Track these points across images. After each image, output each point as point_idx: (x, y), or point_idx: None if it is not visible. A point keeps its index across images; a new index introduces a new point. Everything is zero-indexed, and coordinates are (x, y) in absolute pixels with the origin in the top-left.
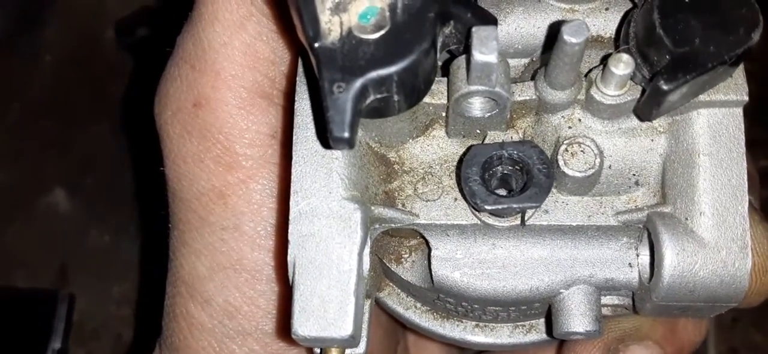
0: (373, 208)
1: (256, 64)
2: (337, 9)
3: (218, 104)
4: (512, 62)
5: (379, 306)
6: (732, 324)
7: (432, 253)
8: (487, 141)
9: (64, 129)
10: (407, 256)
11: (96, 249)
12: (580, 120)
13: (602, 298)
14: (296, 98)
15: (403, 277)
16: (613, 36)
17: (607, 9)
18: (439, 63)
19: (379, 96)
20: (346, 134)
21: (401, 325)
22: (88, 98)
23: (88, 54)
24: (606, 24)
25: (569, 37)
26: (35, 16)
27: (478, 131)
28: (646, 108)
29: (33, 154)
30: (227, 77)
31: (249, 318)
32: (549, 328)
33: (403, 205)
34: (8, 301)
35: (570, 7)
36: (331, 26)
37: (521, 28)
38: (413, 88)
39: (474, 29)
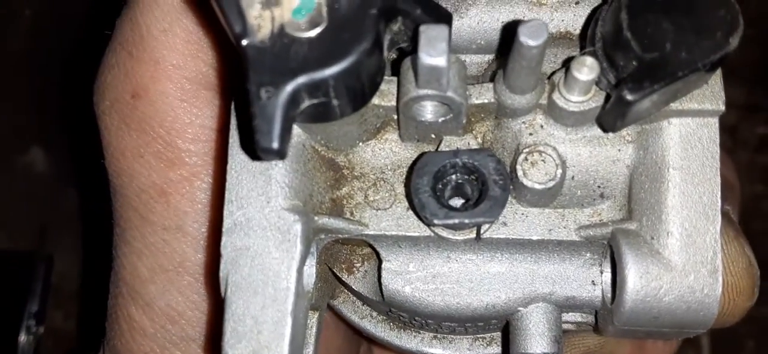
0: (317, 218)
1: (199, 52)
2: (269, 2)
3: (158, 96)
4: (475, 59)
5: (334, 313)
6: None
7: (382, 266)
8: (442, 146)
9: (42, 86)
10: (359, 265)
11: (74, 210)
12: (542, 126)
13: (563, 315)
14: (234, 95)
15: (354, 287)
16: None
17: (576, 3)
18: (391, 60)
19: (315, 101)
20: (275, 145)
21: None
22: (66, 54)
23: (66, 8)
24: (575, 19)
25: (526, 39)
26: None
27: (433, 136)
28: (610, 118)
29: (9, 113)
30: (167, 67)
31: (192, 323)
32: (506, 345)
33: (352, 213)
34: None
35: (537, 0)
36: (261, 22)
37: (484, 22)
38: (355, 92)
39: (422, 28)
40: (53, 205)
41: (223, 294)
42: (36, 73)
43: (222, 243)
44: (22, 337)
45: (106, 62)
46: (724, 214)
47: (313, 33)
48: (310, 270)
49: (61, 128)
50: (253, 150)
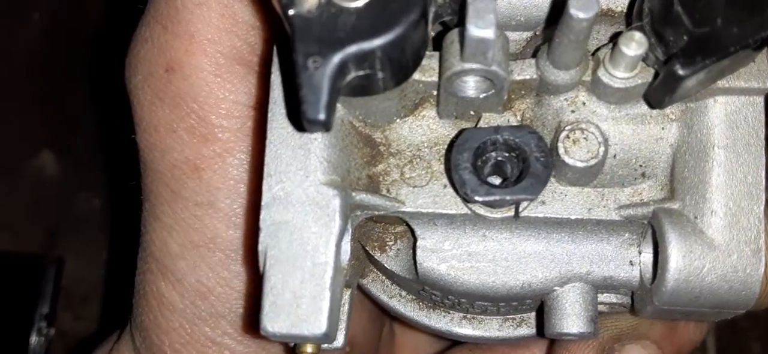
0: (354, 193)
1: (234, 27)
2: None
3: (193, 70)
4: (513, 36)
5: (362, 292)
6: None
7: (417, 244)
8: (481, 124)
9: (52, 90)
10: (392, 243)
11: (85, 213)
12: (584, 103)
13: (599, 296)
14: (272, 69)
15: (387, 266)
16: (625, 10)
17: None
18: (432, 35)
19: (361, 73)
20: (322, 116)
21: (386, 312)
22: (76, 57)
23: (76, 11)
24: None
25: (577, 11)
26: None
27: (472, 113)
28: (659, 94)
29: (19, 116)
30: (203, 41)
31: (222, 300)
32: (540, 325)
33: (388, 190)
34: None
35: None
36: None
37: None
38: (400, 65)
39: (470, 0)
40: (63, 209)
41: (261, 268)
42: (45, 76)
43: (261, 217)
44: (33, 339)
45: (139, 36)
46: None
47: (361, 3)
48: (346, 246)
49: (71, 132)
50: (299, 121)
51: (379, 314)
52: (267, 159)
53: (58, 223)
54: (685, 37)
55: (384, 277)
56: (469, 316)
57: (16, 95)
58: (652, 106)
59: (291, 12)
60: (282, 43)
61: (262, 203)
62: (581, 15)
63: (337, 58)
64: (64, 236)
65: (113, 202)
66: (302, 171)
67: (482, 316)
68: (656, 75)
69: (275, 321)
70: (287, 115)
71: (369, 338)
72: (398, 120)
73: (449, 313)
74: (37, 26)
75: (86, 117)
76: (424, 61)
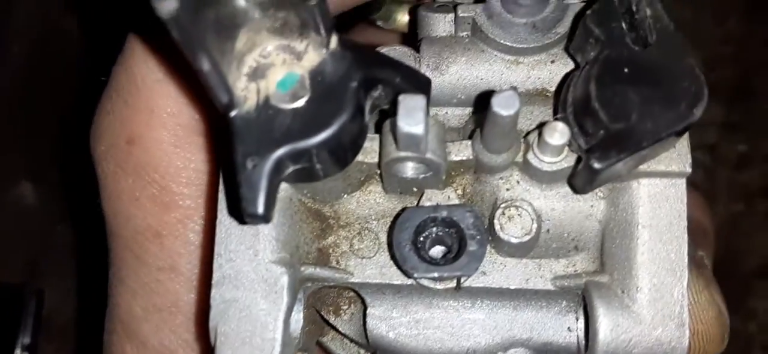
0: (303, 268)
1: (192, 100)
2: (255, 75)
3: (152, 142)
4: (456, 111)
5: (324, 350)
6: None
7: (367, 312)
8: (424, 199)
9: (31, 121)
10: (346, 307)
11: (64, 243)
12: (518, 182)
13: None
14: (219, 162)
15: (341, 330)
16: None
17: (552, 61)
18: (375, 119)
19: (298, 166)
20: (260, 211)
21: None
22: (55, 89)
23: (54, 44)
24: (551, 77)
25: (499, 109)
26: (1, 6)
27: (414, 189)
28: (580, 181)
29: None
30: (162, 115)
31: None
32: None
33: (338, 262)
34: None
35: (514, 58)
36: (248, 94)
37: (464, 78)
38: (338, 157)
39: (400, 98)
40: (43, 240)
41: (212, 343)
42: (24, 108)
43: (211, 295)
44: None
45: (102, 108)
46: (698, 261)
47: (297, 104)
48: (298, 316)
49: (51, 163)
50: (240, 215)
51: None
52: (217, 239)
53: (37, 253)
54: (601, 131)
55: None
56: None
57: None
58: (575, 191)
59: (232, 113)
60: (222, 143)
61: (213, 282)
62: (503, 112)
63: (274, 157)
64: (44, 266)
65: (90, 232)
66: (251, 250)
67: None
68: (579, 160)
69: None
70: (228, 210)
71: None
72: (346, 195)
73: None
74: (16, 58)
75: (65, 148)
76: (367, 144)
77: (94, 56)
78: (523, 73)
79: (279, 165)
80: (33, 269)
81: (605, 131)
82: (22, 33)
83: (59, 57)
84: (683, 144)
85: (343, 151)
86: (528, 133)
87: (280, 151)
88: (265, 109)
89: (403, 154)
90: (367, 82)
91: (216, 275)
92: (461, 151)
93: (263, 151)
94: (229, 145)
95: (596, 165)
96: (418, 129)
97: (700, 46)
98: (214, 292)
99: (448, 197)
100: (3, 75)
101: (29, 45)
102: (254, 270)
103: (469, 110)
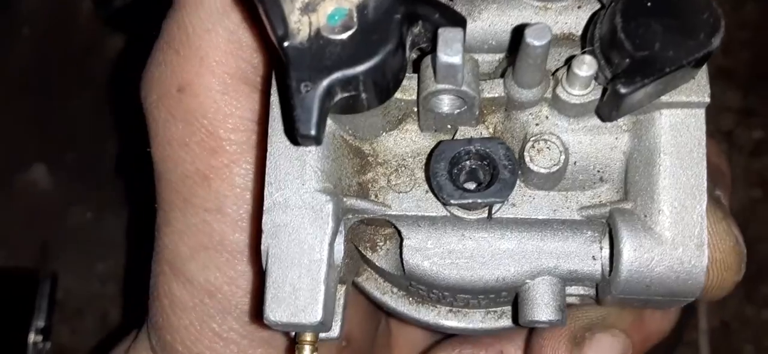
0: (345, 199)
1: (239, 50)
2: (306, 9)
3: (202, 89)
4: (486, 58)
5: (358, 290)
6: (724, 297)
7: (403, 243)
8: (458, 135)
9: (44, 104)
10: (382, 244)
11: (78, 226)
12: (547, 117)
13: (567, 288)
14: (272, 91)
15: (377, 264)
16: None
17: (579, 7)
18: (413, 59)
19: (346, 94)
20: (313, 132)
21: (380, 309)
22: (67, 71)
23: (66, 26)
24: (577, 22)
25: (532, 40)
26: None
27: (449, 126)
28: (606, 109)
29: (11, 130)
30: (211, 63)
31: (229, 297)
32: (515, 315)
33: (376, 196)
34: None
35: (543, 4)
36: (300, 26)
37: (495, 24)
38: (381, 87)
39: (440, 30)
40: (55, 223)
41: (263, 265)
42: (36, 90)
43: (263, 220)
44: (30, 352)
45: (154, 59)
46: (715, 199)
47: (345, 36)
48: (340, 246)
49: (63, 145)
50: (294, 136)
51: (375, 313)
52: (268, 169)
53: (51, 236)
54: (627, 60)
55: (377, 275)
56: (454, 309)
57: (8, 109)
58: (602, 119)
59: (285, 44)
60: (278, 70)
61: (264, 208)
62: (536, 43)
63: (325, 82)
64: (58, 250)
65: (106, 215)
66: (299, 179)
67: (466, 309)
68: (605, 92)
69: (276, 311)
70: (284, 132)
71: (365, 334)
72: (384, 133)
73: (436, 306)
74: (28, 40)
75: (78, 130)
76: (405, 82)
77: (107, 37)
78: (551, 18)
79: (329, 90)
80: (45, 253)
81: (630, 60)
82: (33, 15)
83: (72, 39)
84: (702, 75)
85: (386, 82)
86: (556, 71)
87: (331, 78)
88: (316, 40)
89: (440, 86)
90: (408, 17)
91: (267, 202)
92: (493, 89)
93: (315, 77)
94: (285, 73)
95: (622, 90)
96: (456, 59)
97: None
98: (265, 217)
99: (481, 133)
100: (15, 58)
101: (41, 27)
102: (302, 197)
103: (499, 56)
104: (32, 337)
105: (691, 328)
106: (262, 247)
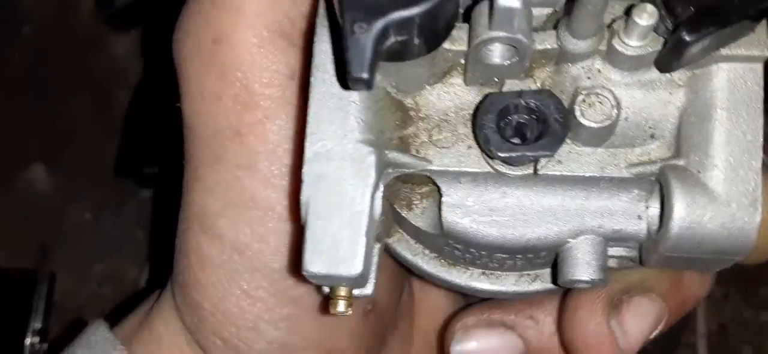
0: (387, 152)
1: (276, 3)
2: None
3: (238, 42)
4: (535, 12)
5: (387, 252)
6: (722, 300)
7: (442, 200)
8: (504, 90)
9: (43, 103)
10: (418, 202)
11: (76, 226)
12: (599, 71)
13: (609, 249)
14: (315, 39)
15: (413, 223)
16: None
17: None
18: (462, 9)
19: (399, 38)
20: (365, 74)
21: (407, 272)
22: (67, 71)
23: (66, 25)
24: None
25: None
26: None
27: (495, 80)
28: (667, 59)
29: (11, 130)
30: (248, 14)
31: (258, 255)
32: (554, 276)
33: (417, 151)
34: None
35: None
36: None
37: None
38: (434, 32)
39: None
40: (54, 224)
41: (303, 217)
42: (36, 89)
43: (303, 171)
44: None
45: (188, 10)
46: (765, 162)
47: None
48: (379, 200)
49: (62, 145)
50: (344, 80)
51: (400, 278)
52: (309, 119)
53: (49, 236)
54: (691, 8)
55: (408, 237)
56: (487, 272)
57: (7, 108)
58: (661, 70)
59: None
60: (330, 13)
61: (305, 158)
62: None
63: (380, 24)
64: (55, 250)
65: (105, 216)
66: (341, 130)
67: (499, 272)
68: (665, 44)
69: (315, 263)
70: (335, 75)
71: (389, 299)
72: (427, 87)
73: (468, 269)
74: (28, 40)
75: (77, 130)
76: (454, 33)
77: (108, 37)
78: None
79: (384, 32)
80: (43, 254)
81: (695, 7)
82: (33, 14)
83: (72, 38)
84: (761, 29)
85: (439, 28)
86: (612, 23)
87: (386, 19)
88: None
89: (495, 33)
90: None
91: (308, 152)
92: (545, 40)
93: (370, 18)
94: (338, 13)
95: (687, 37)
96: (515, 2)
97: None
98: (306, 168)
99: (529, 87)
100: (15, 57)
101: (40, 26)
102: (344, 148)
103: (547, 11)
104: (29, 339)
105: (689, 331)
106: (302, 198)
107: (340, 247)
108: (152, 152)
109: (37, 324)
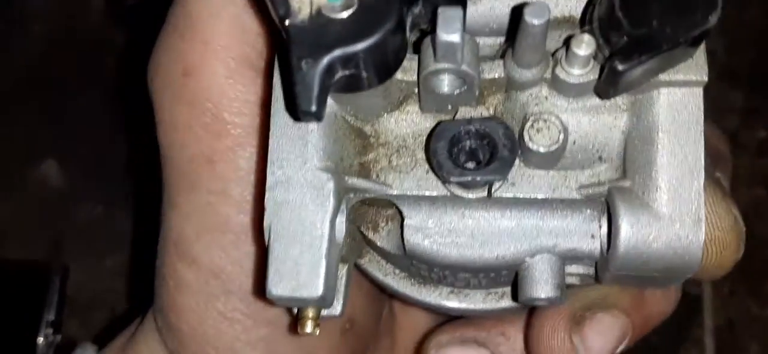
0: (347, 178)
1: (243, 35)
2: None
3: (207, 73)
4: (488, 41)
5: (361, 272)
6: (729, 295)
7: (404, 222)
8: (457, 117)
9: (55, 100)
10: (384, 224)
11: (89, 221)
12: (546, 97)
13: (567, 267)
14: (274, 72)
15: (379, 244)
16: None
17: None
18: (413, 40)
19: (347, 72)
20: (313, 108)
21: (383, 291)
22: (78, 68)
23: (77, 23)
24: (577, 4)
25: (531, 18)
26: None
27: (449, 107)
28: (604, 87)
29: (23, 126)
30: (216, 47)
31: (233, 278)
32: (515, 293)
33: (378, 176)
34: (1, 272)
35: None
36: (301, 5)
37: (495, 8)
38: (381, 66)
39: (439, 10)
40: (67, 217)
41: (266, 242)
42: (47, 86)
43: (266, 198)
44: (40, 346)
45: (159, 45)
46: (715, 179)
47: (346, 14)
48: (341, 224)
49: (74, 141)
50: (296, 113)
51: (379, 297)
52: (270, 148)
53: (61, 231)
54: (624, 38)
55: (379, 257)
56: (455, 289)
57: (19, 105)
58: (600, 97)
59: (287, 22)
60: (280, 49)
61: (267, 186)
62: (535, 21)
63: (325, 60)
64: (68, 244)
65: (117, 210)
66: (300, 158)
67: (467, 290)
68: (603, 71)
69: (278, 286)
70: (286, 108)
71: (368, 317)
72: (385, 114)
73: (437, 287)
74: (39, 37)
75: (89, 126)
76: (405, 63)
77: (118, 34)
78: (552, 1)
79: (330, 68)
80: (56, 247)
81: (628, 37)
82: (44, 12)
83: (83, 36)
84: (700, 54)
85: (386, 61)
86: (555, 52)
87: (331, 55)
88: (317, 18)
89: (440, 65)
90: None
91: (269, 180)
92: (493, 69)
93: (316, 54)
94: (286, 50)
95: (619, 67)
96: (455, 37)
97: (720, 32)
98: (268, 195)
99: (481, 114)
100: (26, 54)
101: (50, 24)
102: (303, 175)
103: (500, 40)
104: (43, 331)
105: (697, 326)
106: (265, 224)
107: (302, 270)
108: None
109: (50, 316)
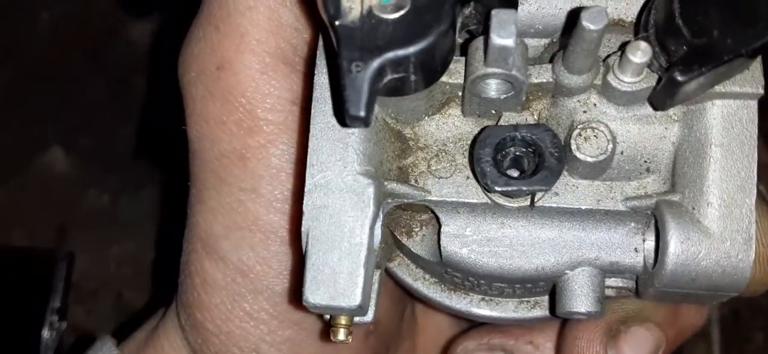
0: (386, 183)
1: (279, 30)
2: None
3: (241, 68)
4: (532, 42)
5: (389, 275)
6: None
7: (442, 229)
8: (501, 122)
9: (61, 88)
10: (418, 230)
11: (94, 209)
12: (595, 105)
13: (606, 280)
14: (316, 72)
15: (413, 250)
16: (634, 21)
17: None
18: (459, 43)
19: (396, 76)
20: (362, 113)
21: (409, 295)
22: (85, 56)
23: (84, 11)
24: (628, 8)
25: (588, 23)
26: None
27: (493, 112)
28: (661, 97)
29: (30, 114)
30: (251, 41)
31: (261, 277)
32: (552, 306)
33: (416, 181)
34: (7, 259)
35: None
36: (352, 5)
37: (543, 8)
38: (430, 69)
39: (493, 12)
40: (72, 205)
41: (303, 248)
42: (54, 74)
43: (304, 202)
44: (46, 333)
45: (193, 35)
46: (760, 194)
47: (397, 15)
48: (379, 230)
49: (80, 128)
50: (342, 117)
51: (402, 299)
52: (310, 151)
53: (67, 218)
54: (684, 47)
55: (409, 261)
56: (486, 297)
57: (27, 93)
58: (655, 108)
59: (337, 23)
60: (329, 49)
61: (306, 190)
62: (592, 27)
63: (376, 63)
64: (74, 232)
65: (122, 198)
66: (341, 162)
67: (499, 298)
68: (659, 80)
69: (315, 293)
70: (333, 112)
71: (392, 320)
72: (426, 118)
73: (469, 294)
74: (46, 25)
75: (95, 114)
76: (452, 65)
77: (125, 22)
78: (602, 2)
79: (380, 71)
80: (63, 234)
81: (688, 47)
82: (51, 1)
83: (90, 24)
84: (756, 67)
85: (435, 64)
86: (607, 57)
87: (382, 58)
88: (368, 19)
89: (490, 70)
90: None
91: (308, 184)
92: (541, 74)
93: (366, 57)
94: (336, 52)
95: (680, 77)
96: (509, 41)
97: None
98: (306, 199)
99: (526, 120)
100: (33, 42)
101: (58, 12)
102: (343, 180)
103: (544, 42)
104: (49, 318)
105: None
106: (303, 229)
107: (340, 278)
108: (170, 136)
109: (56, 303)
